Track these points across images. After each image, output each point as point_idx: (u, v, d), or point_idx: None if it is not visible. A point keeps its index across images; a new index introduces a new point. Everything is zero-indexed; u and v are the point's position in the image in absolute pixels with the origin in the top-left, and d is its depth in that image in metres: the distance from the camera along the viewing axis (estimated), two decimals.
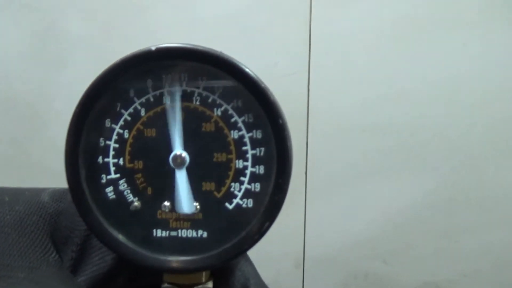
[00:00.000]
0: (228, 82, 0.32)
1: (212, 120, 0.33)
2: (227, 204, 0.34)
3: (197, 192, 0.33)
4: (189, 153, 0.33)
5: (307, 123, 0.91)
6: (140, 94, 0.33)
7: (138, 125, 0.33)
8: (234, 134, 0.33)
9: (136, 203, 0.34)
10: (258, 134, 0.33)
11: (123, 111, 0.33)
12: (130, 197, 0.34)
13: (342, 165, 0.92)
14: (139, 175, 0.34)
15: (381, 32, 0.88)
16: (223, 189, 0.33)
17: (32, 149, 0.94)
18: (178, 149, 0.33)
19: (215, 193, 0.34)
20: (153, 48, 0.32)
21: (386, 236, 0.93)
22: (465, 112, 0.89)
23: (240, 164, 0.33)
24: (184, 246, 0.34)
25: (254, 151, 0.33)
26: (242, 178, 0.33)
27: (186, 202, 0.33)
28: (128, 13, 0.90)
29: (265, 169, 0.33)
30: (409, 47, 0.88)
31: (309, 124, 0.91)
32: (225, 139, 0.33)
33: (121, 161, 0.34)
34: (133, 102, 0.33)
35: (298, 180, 0.92)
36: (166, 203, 0.34)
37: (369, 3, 0.88)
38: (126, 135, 0.33)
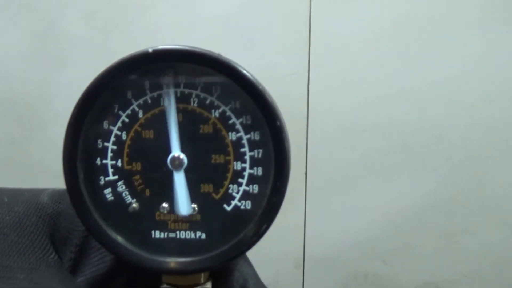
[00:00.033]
0: (225, 84, 0.32)
1: (210, 122, 0.33)
2: (225, 206, 0.34)
3: (195, 194, 0.33)
4: (187, 155, 0.33)
5: (307, 123, 0.91)
6: (137, 95, 0.33)
7: (136, 126, 0.33)
8: (232, 136, 0.33)
9: (134, 205, 0.34)
10: (256, 136, 0.33)
11: (121, 112, 0.33)
12: (129, 199, 0.34)
13: (342, 165, 0.92)
14: (137, 177, 0.34)
15: (381, 32, 0.88)
16: (221, 191, 0.34)
17: (32, 149, 0.94)
18: (176, 151, 0.33)
19: (213, 194, 0.34)
20: (150, 50, 0.31)
21: (386, 236, 0.93)
22: (465, 112, 0.89)
23: (238, 166, 0.33)
24: (182, 247, 0.34)
25: (252, 153, 0.33)
26: (240, 180, 0.33)
27: (184, 204, 0.33)
28: (128, 13, 0.90)
29: (263, 171, 0.33)
30: (409, 47, 0.88)
31: (309, 124, 0.91)
32: (223, 141, 0.33)
33: (119, 163, 0.34)
34: (131, 104, 0.33)
35: (298, 180, 0.92)
36: (165, 205, 0.34)
37: (369, 3, 0.88)
38: (124, 136, 0.33)
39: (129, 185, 0.34)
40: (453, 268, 0.94)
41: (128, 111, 0.33)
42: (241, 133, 0.33)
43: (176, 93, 0.33)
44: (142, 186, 0.34)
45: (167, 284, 0.35)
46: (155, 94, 0.33)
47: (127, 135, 0.33)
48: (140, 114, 0.33)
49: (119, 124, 0.33)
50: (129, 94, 0.33)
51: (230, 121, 0.33)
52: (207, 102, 0.33)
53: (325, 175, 0.92)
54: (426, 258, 0.94)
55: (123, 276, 0.39)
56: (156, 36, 0.88)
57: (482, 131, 0.89)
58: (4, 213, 0.37)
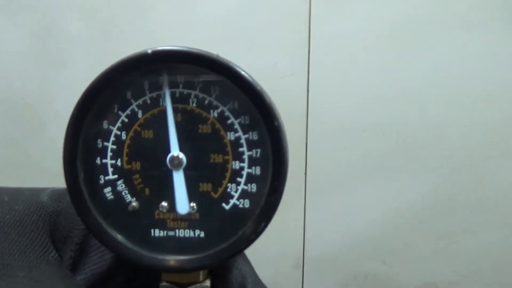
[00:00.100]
0: (224, 85, 0.33)
1: (209, 122, 0.33)
2: (223, 205, 0.34)
3: (194, 193, 0.34)
4: (186, 155, 0.33)
5: (306, 123, 0.91)
6: (137, 96, 0.33)
7: (136, 126, 0.34)
8: (231, 136, 0.33)
9: (134, 204, 0.34)
10: (254, 136, 0.33)
11: (120, 113, 0.34)
12: (128, 198, 0.34)
13: (342, 165, 0.92)
14: (136, 176, 0.34)
15: (381, 32, 0.88)
16: (220, 190, 0.34)
17: (32, 150, 0.94)
18: (175, 151, 0.33)
19: (212, 193, 0.34)
20: (149, 51, 0.32)
21: (386, 236, 0.93)
22: (465, 112, 0.89)
23: (236, 165, 0.33)
24: (181, 245, 0.34)
25: (250, 153, 0.33)
26: (238, 179, 0.34)
27: (184, 203, 0.34)
28: (128, 13, 0.91)
29: (261, 170, 0.33)
30: (409, 47, 0.89)
31: (309, 124, 0.91)
32: (221, 141, 0.33)
33: (118, 162, 0.34)
34: (131, 104, 0.33)
35: (298, 180, 0.92)
36: (164, 204, 0.34)
37: (369, 3, 0.88)
38: (123, 136, 0.34)
39: (128, 184, 0.34)
40: (453, 269, 0.94)
41: (128, 111, 0.34)
42: (240, 133, 0.33)
43: (175, 93, 0.33)
44: (141, 185, 0.34)
45: (167, 282, 0.35)
46: (154, 94, 0.33)
47: (127, 135, 0.34)
48: (140, 114, 0.34)
49: (118, 124, 0.34)
50: (129, 95, 0.33)
51: (229, 121, 0.33)
52: (206, 102, 0.33)
53: (325, 175, 0.92)
54: (426, 258, 0.94)
55: (123, 274, 0.39)
56: (156, 36, 0.88)
57: (482, 131, 0.89)
58: (4, 212, 0.38)
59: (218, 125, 0.33)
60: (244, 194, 0.34)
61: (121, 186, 0.34)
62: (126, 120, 0.34)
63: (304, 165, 0.91)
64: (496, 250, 0.92)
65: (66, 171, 0.33)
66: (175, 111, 0.33)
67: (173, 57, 0.32)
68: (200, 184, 0.34)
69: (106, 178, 0.34)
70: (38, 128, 0.93)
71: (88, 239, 0.39)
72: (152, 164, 0.34)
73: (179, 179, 0.33)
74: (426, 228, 0.93)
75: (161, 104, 0.33)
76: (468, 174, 0.91)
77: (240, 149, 0.33)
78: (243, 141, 0.33)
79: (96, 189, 0.34)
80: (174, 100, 0.33)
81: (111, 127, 0.34)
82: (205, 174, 0.34)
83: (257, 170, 0.33)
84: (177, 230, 0.34)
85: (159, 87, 0.33)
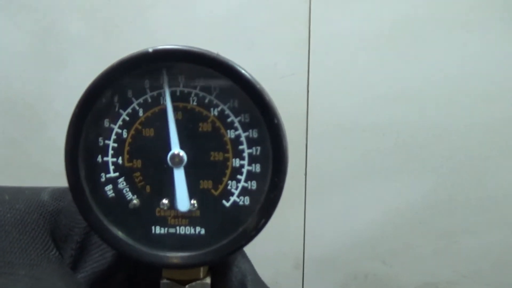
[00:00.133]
0: (224, 83, 0.33)
1: (209, 120, 0.34)
2: (224, 202, 0.34)
3: (194, 190, 0.34)
4: (186, 152, 0.34)
5: (306, 123, 0.91)
6: (138, 94, 0.34)
7: (137, 125, 0.34)
8: (231, 134, 0.34)
9: (135, 201, 0.34)
10: (254, 134, 0.33)
11: (121, 111, 0.34)
12: (129, 195, 0.34)
13: (342, 165, 0.92)
14: (137, 174, 0.34)
15: (381, 32, 0.89)
16: (220, 187, 0.34)
17: (32, 150, 0.94)
18: (176, 148, 0.33)
19: (213, 191, 0.34)
20: (150, 49, 0.32)
21: (386, 236, 0.93)
22: (465, 112, 0.89)
23: (236, 162, 0.34)
24: (182, 242, 0.34)
25: (250, 150, 0.34)
26: (238, 177, 0.34)
27: (184, 200, 0.34)
28: (128, 13, 0.91)
29: (261, 167, 0.33)
30: (409, 47, 0.89)
31: (309, 124, 0.91)
32: (221, 139, 0.34)
33: (120, 160, 0.34)
34: (132, 103, 0.34)
35: (298, 180, 0.92)
36: (165, 201, 0.34)
37: (369, 3, 0.88)
38: (124, 134, 0.34)
39: (129, 182, 0.34)
40: (453, 269, 0.94)
41: (129, 110, 0.34)
42: (240, 131, 0.33)
43: (175, 92, 0.33)
44: (142, 182, 0.34)
45: (167, 278, 0.35)
46: (155, 93, 0.34)
47: (128, 133, 0.34)
48: (141, 113, 0.34)
49: (119, 122, 0.34)
50: (130, 93, 0.34)
51: (229, 119, 0.33)
52: (206, 101, 0.33)
53: (325, 175, 0.92)
54: (426, 258, 0.94)
55: (123, 271, 0.39)
56: (156, 36, 0.89)
57: (482, 131, 0.89)
58: (5, 210, 0.38)
59: (218, 123, 0.34)
60: (244, 191, 0.34)
61: (122, 183, 0.34)
62: (127, 118, 0.34)
63: (304, 165, 0.92)
64: (496, 250, 0.92)
65: (67, 169, 0.33)
66: (175, 109, 0.33)
67: (174, 56, 0.33)
68: (201, 181, 0.34)
69: (107, 176, 0.34)
70: (38, 128, 0.93)
71: (88, 238, 0.39)
72: (153, 162, 0.34)
73: (179, 177, 0.34)
74: (426, 228, 0.93)
75: (161, 102, 0.34)
76: (468, 174, 0.91)
77: (240, 147, 0.34)
78: (243, 139, 0.33)
79: (97, 187, 0.34)
80: (174, 99, 0.33)
81: (112, 125, 0.34)
82: (206, 171, 0.34)
83: (257, 168, 0.34)
84: (177, 227, 0.34)
85: (160, 86, 0.33)
